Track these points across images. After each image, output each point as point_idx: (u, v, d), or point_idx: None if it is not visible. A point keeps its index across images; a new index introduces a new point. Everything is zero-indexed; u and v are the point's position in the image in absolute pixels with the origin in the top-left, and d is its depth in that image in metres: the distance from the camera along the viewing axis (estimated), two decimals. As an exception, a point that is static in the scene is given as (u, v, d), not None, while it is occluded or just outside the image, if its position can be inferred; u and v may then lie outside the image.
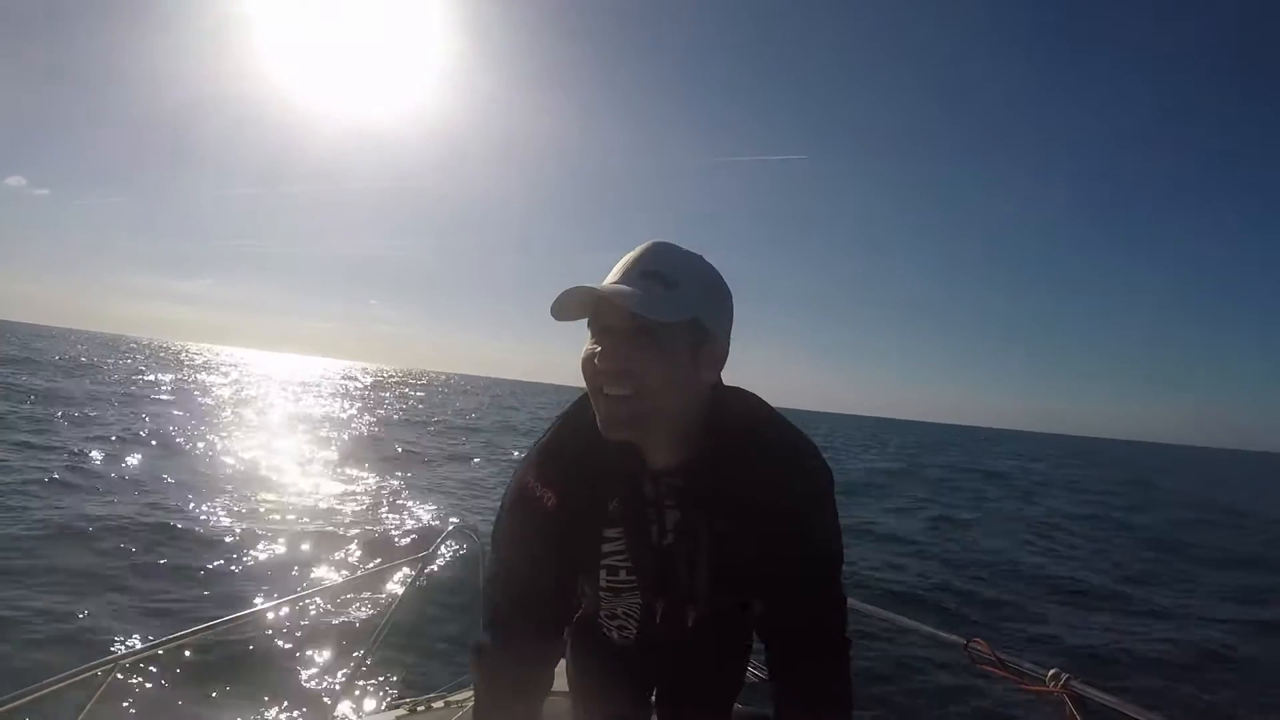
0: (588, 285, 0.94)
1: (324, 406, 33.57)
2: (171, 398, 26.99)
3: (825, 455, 1.13)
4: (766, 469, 1.05)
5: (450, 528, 2.76)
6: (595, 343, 0.98)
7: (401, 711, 2.45)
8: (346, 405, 36.32)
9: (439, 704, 2.51)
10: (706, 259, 1.04)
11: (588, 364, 0.98)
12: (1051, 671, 1.64)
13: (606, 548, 1.12)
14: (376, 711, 2.43)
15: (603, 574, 1.14)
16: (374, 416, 29.99)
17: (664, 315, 0.93)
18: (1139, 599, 9.64)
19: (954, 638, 1.88)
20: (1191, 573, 12.04)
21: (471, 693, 2.56)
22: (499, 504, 1.17)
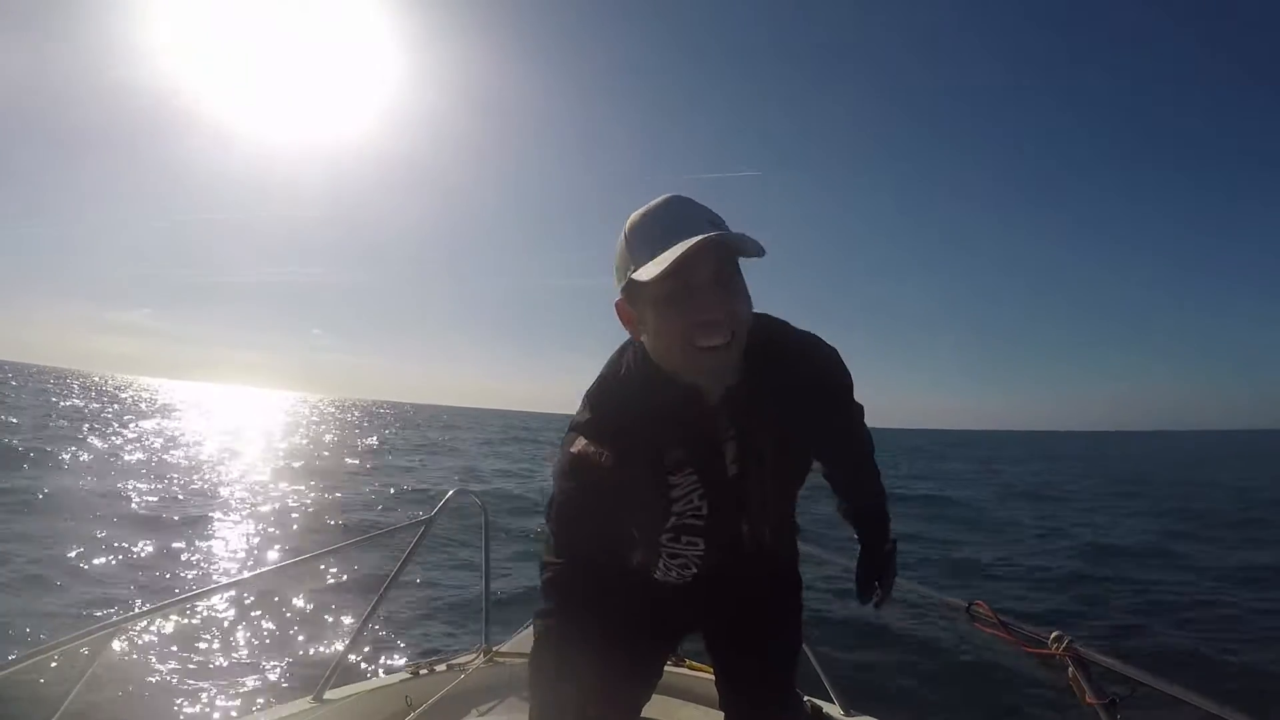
0: (704, 235, 0.92)
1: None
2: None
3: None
4: (796, 366, 1.16)
5: (451, 492, 2.73)
6: (676, 297, 0.97)
7: (405, 675, 2.47)
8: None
9: (441, 667, 2.53)
10: None
11: (672, 321, 0.98)
12: (1054, 634, 1.62)
13: (674, 493, 1.12)
14: (380, 675, 2.45)
15: (672, 519, 1.14)
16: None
17: (760, 251, 0.96)
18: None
19: (956, 600, 1.86)
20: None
21: (474, 656, 2.59)
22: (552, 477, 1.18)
